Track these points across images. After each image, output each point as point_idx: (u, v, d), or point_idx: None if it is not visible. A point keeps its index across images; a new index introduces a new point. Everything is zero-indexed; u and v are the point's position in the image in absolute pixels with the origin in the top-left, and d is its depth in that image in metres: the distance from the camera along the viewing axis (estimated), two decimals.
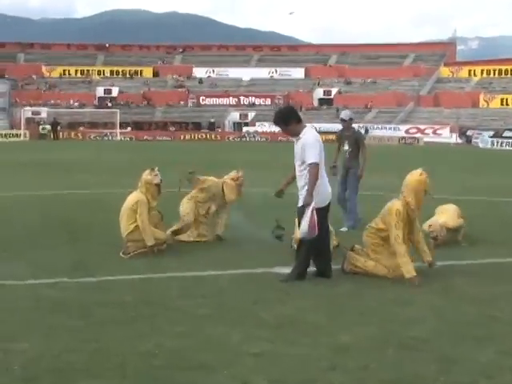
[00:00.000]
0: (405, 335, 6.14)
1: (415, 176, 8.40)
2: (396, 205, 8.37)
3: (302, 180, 8.26)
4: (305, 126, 8.43)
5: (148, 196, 9.91)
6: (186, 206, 10.95)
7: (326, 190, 8.35)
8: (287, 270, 8.47)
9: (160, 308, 6.92)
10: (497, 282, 8.34)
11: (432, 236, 10.31)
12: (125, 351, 5.63)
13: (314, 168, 8.07)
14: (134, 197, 9.98)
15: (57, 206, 15.42)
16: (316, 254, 8.37)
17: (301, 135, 8.28)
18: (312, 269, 8.46)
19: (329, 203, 8.44)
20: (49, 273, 8.52)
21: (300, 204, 8.25)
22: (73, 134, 70.80)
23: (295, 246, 9.96)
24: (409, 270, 8.09)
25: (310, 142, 8.18)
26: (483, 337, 6.14)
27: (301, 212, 8.14)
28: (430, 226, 10.47)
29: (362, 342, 5.96)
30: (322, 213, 8.21)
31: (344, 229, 12.16)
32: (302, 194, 8.21)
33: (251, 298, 7.33)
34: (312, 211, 7.88)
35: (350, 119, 13.01)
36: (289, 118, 8.39)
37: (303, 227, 7.95)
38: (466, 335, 6.18)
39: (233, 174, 11.24)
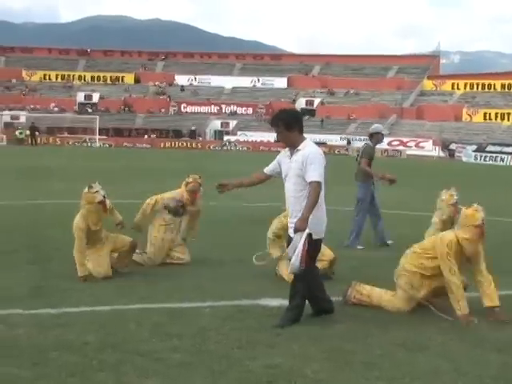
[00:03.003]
0: None
1: (470, 211, 7.52)
2: (448, 236, 7.46)
3: (297, 203, 6.81)
4: (305, 139, 7.04)
5: (90, 218, 8.65)
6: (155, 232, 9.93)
7: (325, 218, 6.98)
8: (275, 303, 7.51)
9: (128, 352, 5.76)
10: None
11: None
12: None
13: (316, 188, 6.66)
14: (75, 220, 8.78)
15: (25, 218, 14.15)
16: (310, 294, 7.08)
17: (300, 147, 6.89)
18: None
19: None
20: (0, 302, 7.36)
21: (293, 233, 6.77)
22: (51, 139, 69.49)
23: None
24: (463, 306, 7.19)
25: (314, 157, 6.79)
26: None
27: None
28: None
29: None
30: (319, 245, 7.06)
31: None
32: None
33: (236, 340, 6.18)
34: (305, 240, 6.48)
35: None
36: (293, 123, 6.99)
37: (293, 260, 6.54)
38: None
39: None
